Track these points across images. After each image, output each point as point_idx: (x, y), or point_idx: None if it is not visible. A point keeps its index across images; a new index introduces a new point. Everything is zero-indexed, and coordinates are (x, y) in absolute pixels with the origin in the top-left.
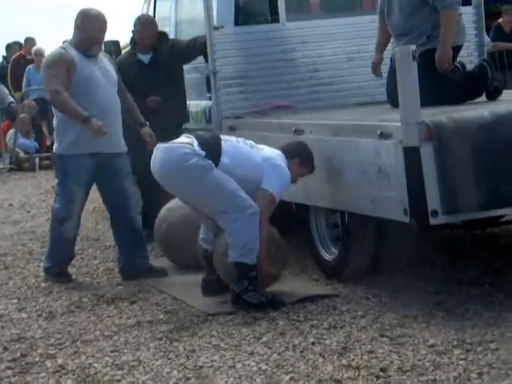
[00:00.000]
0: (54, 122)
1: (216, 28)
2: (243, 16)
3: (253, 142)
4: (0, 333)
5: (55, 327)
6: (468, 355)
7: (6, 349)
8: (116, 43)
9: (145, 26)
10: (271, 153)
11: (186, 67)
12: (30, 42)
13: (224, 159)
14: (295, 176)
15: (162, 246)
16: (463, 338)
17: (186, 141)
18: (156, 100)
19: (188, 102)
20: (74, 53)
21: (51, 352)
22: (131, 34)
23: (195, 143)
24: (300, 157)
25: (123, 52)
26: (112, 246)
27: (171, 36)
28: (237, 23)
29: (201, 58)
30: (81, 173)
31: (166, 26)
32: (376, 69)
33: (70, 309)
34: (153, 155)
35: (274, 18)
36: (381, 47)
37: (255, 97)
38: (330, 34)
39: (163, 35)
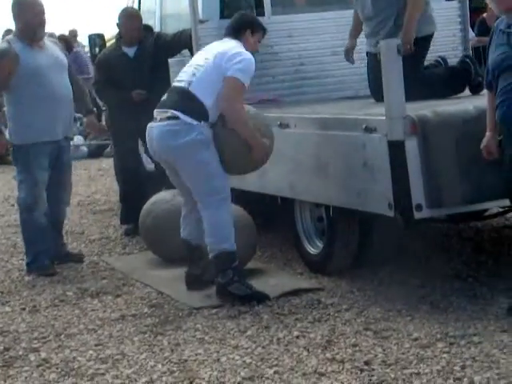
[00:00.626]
0: (7, 112)
1: (201, 21)
2: (228, 9)
3: (204, 54)
4: None
5: (39, 321)
6: (451, 348)
7: None
8: (101, 36)
9: (129, 18)
10: (224, 48)
11: (170, 60)
12: None
13: (206, 102)
14: (254, 46)
15: (146, 239)
16: (446, 332)
17: (168, 115)
18: (141, 93)
19: None
20: (18, 45)
21: (35, 346)
22: (117, 28)
23: (179, 115)
24: (249, 27)
25: (108, 45)
26: (97, 240)
27: (156, 29)
28: (222, 16)
29: (186, 52)
30: (42, 158)
31: (151, 20)
32: (348, 54)
33: (54, 302)
34: (147, 134)
35: (260, 12)
36: (354, 33)
37: None
38: (315, 27)
39: (148, 28)
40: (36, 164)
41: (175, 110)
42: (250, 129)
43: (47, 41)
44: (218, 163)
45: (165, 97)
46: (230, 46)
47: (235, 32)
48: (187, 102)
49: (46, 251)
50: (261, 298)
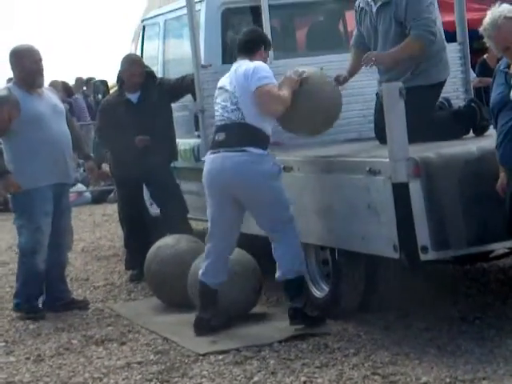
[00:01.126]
0: (6, 159)
1: (203, 66)
2: (231, 54)
3: (228, 81)
4: None
5: (44, 370)
6: None
7: None
8: (104, 83)
9: (132, 64)
10: (242, 72)
11: (174, 105)
12: None
13: (264, 126)
14: (264, 61)
15: (151, 285)
16: (456, 375)
17: (235, 150)
18: (145, 139)
19: (177, 140)
20: (17, 92)
21: None
22: (120, 74)
23: (247, 148)
24: (263, 43)
25: (111, 91)
26: (101, 286)
27: (159, 75)
28: (224, 61)
29: (189, 97)
30: (45, 203)
31: (154, 65)
32: (337, 80)
33: (59, 351)
34: (213, 165)
35: None
36: (350, 70)
37: None
38: None
39: (150, 74)
40: (40, 209)
41: (241, 146)
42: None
43: (45, 89)
44: (286, 194)
45: (220, 137)
46: (248, 66)
47: (250, 48)
48: (250, 134)
49: (38, 294)
50: (322, 320)
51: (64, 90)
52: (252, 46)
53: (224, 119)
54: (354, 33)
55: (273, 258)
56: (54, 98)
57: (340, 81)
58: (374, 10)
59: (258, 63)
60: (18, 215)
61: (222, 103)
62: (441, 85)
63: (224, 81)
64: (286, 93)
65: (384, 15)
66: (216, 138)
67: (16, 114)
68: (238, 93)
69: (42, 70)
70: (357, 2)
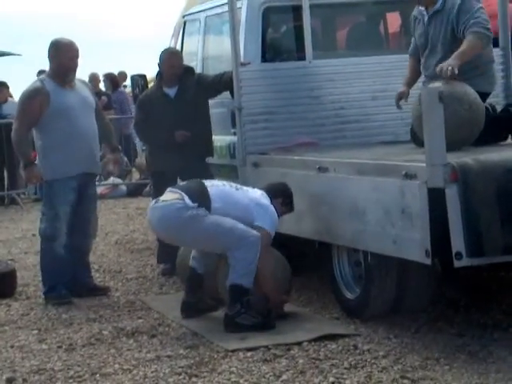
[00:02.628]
0: (36, 147)
1: (243, 64)
2: (270, 53)
3: (238, 185)
4: (20, 364)
5: (75, 359)
6: None
7: (25, 380)
8: (143, 77)
9: (170, 58)
10: (256, 193)
11: (211, 102)
12: None
13: (215, 204)
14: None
15: (183, 279)
16: (487, 383)
17: (175, 197)
18: (185, 134)
19: (213, 137)
20: (49, 84)
21: None
22: (158, 67)
23: (185, 197)
24: (283, 196)
25: (150, 86)
26: (134, 279)
27: (198, 71)
28: (264, 60)
29: (226, 93)
30: (67, 193)
31: (193, 61)
32: (398, 100)
33: (90, 341)
34: (149, 215)
35: (301, 56)
36: (409, 82)
37: (280, 133)
38: (355, 72)
39: (189, 69)
40: (60, 198)
41: (185, 193)
42: (269, 283)
43: (78, 81)
44: (226, 218)
45: (183, 183)
46: (264, 197)
47: (271, 194)
48: (200, 194)
49: (63, 281)
50: (268, 326)
51: (110, 81)
52: (274, 193)
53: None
54: (412, 42)
55: (304, 257)
56: (85, 91)
57: (404, 97)
58: (426, 18)
59: (272, 208)
60: (43, 203)
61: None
62: (483, 96)
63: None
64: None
65: (435, 23)
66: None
67: (46, 106)
68: (241, 191)
69: (76, 67)
70: (413, 13)
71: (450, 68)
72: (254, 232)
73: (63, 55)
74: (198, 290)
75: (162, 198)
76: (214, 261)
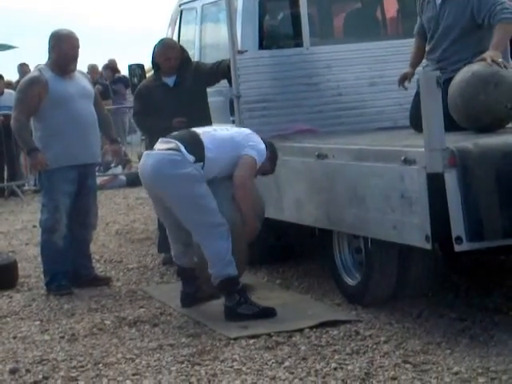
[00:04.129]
0: (34, 138)
1: (240, 52)
2: (267, 40)
3: (228, 127)
4: (23, 354)
5: (77, 349)
6: (493, 383)
7: (28, 371)
8: (141, 66)
9: (166, 51)
10: (248, 131)
11: (209, 90)
12: None
13: (208, 154)
14: (260, 168)
15: None
16: (488, 366)
17: (172, 146)
18: (182, 121)
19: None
20: (48, 74)
21: (73, 375)
22: (155, 58)
23: (181, 148)
24: (270, 152)
25: (148, 75)
26: (135, 268)
27: (195, 59)
28: (261, 47)
29: (224, 82)
30: (66, 183)
31: (191, 50)
32: (402, 80)
33: (93, 331)
34: (141, 161)
35: (298, 43)
36: (414, 62)
37: (278, 120)
38: (353, 58)
39: (186, 58)
40: (59, 189)
41: (180, 142)
42: (250, 206)
43: (76, 72)
44: (213, 199)
45: (175, 133)
46: (248, 131)
47: None
48: (193, 143)
49: (64, 272)
50: (269, 314)
51: (111, 68)
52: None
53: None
54: (418, 21)
55: (304, 245)
56: (83, 81)
57: (408, 78)
58: (439, 1)
59: (261, 141)
60: (42, 194)
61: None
62: None
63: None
64: (250, 202)
65: (450, 9)
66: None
67: (44, 95)
68: (228, 132)
69: (77, 56)
70: None
71: (496, 58)
72: (226, 223)
73: (64, 45)
74: (192, 280)
75: (157, 146)
76: (196, 253)
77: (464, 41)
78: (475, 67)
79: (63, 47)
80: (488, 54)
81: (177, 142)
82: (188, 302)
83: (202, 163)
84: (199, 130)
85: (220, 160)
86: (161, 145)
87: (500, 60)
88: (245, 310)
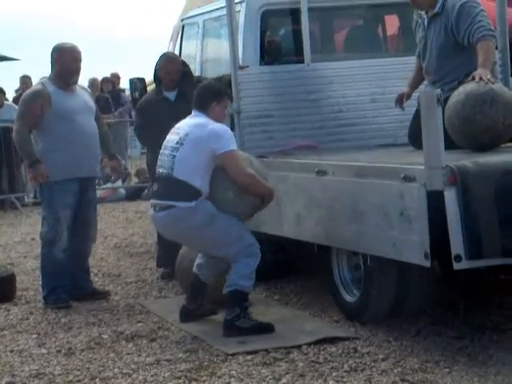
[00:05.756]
0: (36, 150)
1: (241, 67)
2: (268, 56)
3: (177, 136)
4: (19, 368)
5: (74, 364)
6: None
7: None
8: (142, 80)
9: (167, 65)
10: (195, 125)
11: None
12: None
13: (195, 182)
14: (220, 116)
15: (182, 283)
16: None
17: (168, 205)
18: None
19: None
20: (51, 88)
21: None
22: (156, 72)
23: (172, 203)
24: (213, 99)
25: (149, 89)
26: (133, 282)
27: (196, 74)
28: (262, 63)
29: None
30: (67, 196)
31: (192, 64)
32: (400, 100)
33: (90, 345)
34: (154, 224)
35: (299, 59)
36: (413, 84)
37: (279, 136)
38: (354, 75)
39: (188, 73)
40: (60, 201)
41: (169, 200)
42: (263, 184)
43: (78, 86)
44: (231, 223)
45: (155, 187)
46: (201, 122)
47: (201, 105)
48: (177, 188)
49: (63, 285)
50: (267, 329)
51: (112, 82)
52: (203, 103)
53: (160, 167)
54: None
55: (303, 261)
56: (85, 96)
57: (404, 100)
58: (426, 21)
59: (219, 125)
60: (43, 206)
61: (166, 145)
62: None
63: (177, 126)
64: (260, 181)
65: (434, 26)
66: (152, 187)
67: (47, 109)
68: (181, 141)
69: (79, 69)
70: (414, 17)
71: (485, 76)
72: (255, 241)
73: (67, 58)
74: (198, 297)
75: (153, 209)
76: (219, 268)
77: (454, 61)
78: (469, 87)
79: (65, 60)
80: (477, 73)
81: (166, 201)
82: (187, 317)
83: (199, 195)
84: (165, 169)
85: (205, 174)
86: (158, 204)
87: (488, 77)
88: (242, 323)
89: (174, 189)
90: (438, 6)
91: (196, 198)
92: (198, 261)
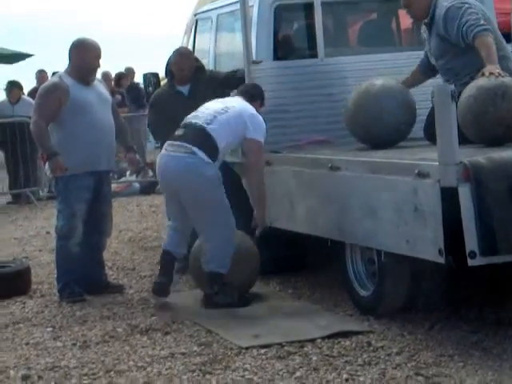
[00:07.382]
0: (52, 143)
1: (255, 62)
2: (282, 51)
3: (222, 104)
4: (35, 361)
5: (89, 357)
6: None
7: (40, 377)
8: (155, 75)
9: (180, 61)
10: (243, 105)
11: None
12: None
13: (220, 145)
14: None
15: (196, 278)
16: (501, 380)
17: (188, 151)
18: None
19: None
20: (68, 80)
21: (85, 382)
22: (169, 67)
23: (198, 152)
24: (260, 98)
25: (162, 84)
26: (147, 276)
27: (210, 68)
28: (276, 58)
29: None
30: (82, 190)
31: (205, 59)
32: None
33: (105, 338)
34: (161, 162)
35: (313, 53)
36: (405, 81)
37: (292, 131)
38: (367, 69)
39: (200, 67)
40: (76, 195)
41: (193, 145)
42: (263, 190)
43: (96, 80)
44: (227, 201)
45: (181, 132)
46: (250, 106)
47: (250, 97)
48: (204, 140)
49: (77, 279)
50: (242, 305)
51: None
52: (252, 97)
53: (194, 118)
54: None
55: (319, 255)
56: (101, 88)
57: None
58: (428, 28)
59: (260, 117)
60: (59, 200)
61: (206, 106)
62: None
63: (224, 100)
64: (263, 183)
65: (431, 32)
66: (176, 132)
67: (65, 101)
68: (228, 111)
69: (99, 67)
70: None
71: (494, 70)
72: (233, 226)
73: (88, 55)
74: (169, 273)
75: (172, 149)
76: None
77: (462, 60)
78: (480, 82)
79: (86, 57)
80: (486, 69)
81: (190, 146)
82: (159, 291)
83: (217, 161)
84: (203, 119)
85: (229, 145)
86: (175, 148)
87: (498, 70)
88: (219, 299)
89: (202, 140)
90: (430, 15)
91: (214, 159)
92: (169, 240)
